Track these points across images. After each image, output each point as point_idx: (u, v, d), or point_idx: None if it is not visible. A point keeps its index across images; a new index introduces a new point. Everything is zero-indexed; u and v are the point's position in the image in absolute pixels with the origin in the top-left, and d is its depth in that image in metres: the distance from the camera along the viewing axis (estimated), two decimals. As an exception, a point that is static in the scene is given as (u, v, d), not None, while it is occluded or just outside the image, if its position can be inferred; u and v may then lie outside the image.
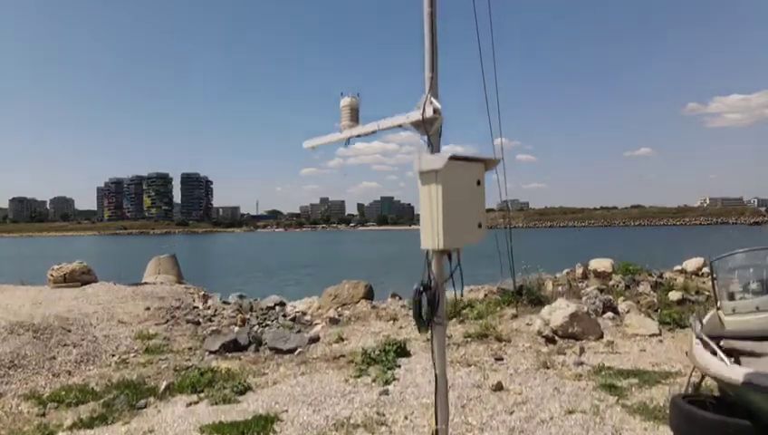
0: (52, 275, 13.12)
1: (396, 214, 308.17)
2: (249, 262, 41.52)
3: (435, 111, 2.80)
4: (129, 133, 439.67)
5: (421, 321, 2.79)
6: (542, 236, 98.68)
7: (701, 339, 4.00)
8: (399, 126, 3.02)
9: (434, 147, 2.89)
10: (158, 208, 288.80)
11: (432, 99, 2.82)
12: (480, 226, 2.85)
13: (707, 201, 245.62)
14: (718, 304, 5.29)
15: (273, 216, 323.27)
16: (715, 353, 3.73)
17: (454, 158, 2.64)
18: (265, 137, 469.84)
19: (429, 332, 2.83)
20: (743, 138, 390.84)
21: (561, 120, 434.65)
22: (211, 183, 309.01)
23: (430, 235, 2.69)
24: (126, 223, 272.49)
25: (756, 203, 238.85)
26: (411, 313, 7.33)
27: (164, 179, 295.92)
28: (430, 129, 2.86)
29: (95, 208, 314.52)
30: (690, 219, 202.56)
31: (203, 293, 12.66)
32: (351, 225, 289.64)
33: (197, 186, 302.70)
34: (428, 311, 2.79)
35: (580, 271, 8.03)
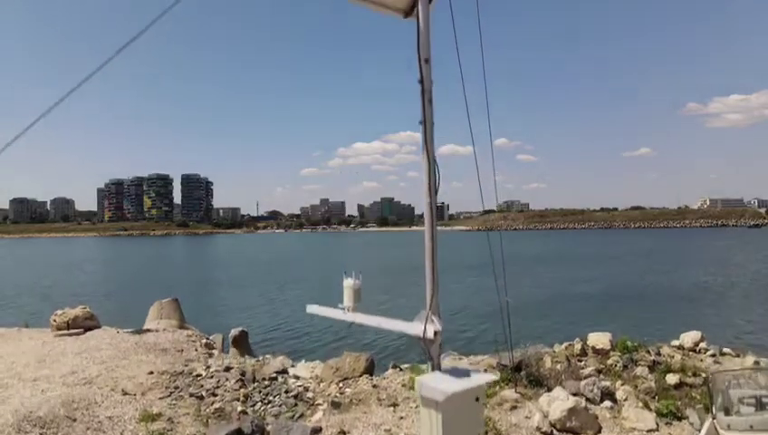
0: (55, 321, 13.22)
1: (396, 215, 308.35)
2: (249, 275, 41.49)
3: (435, 332, 2.89)
4: (130, 134, 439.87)
5: None
6: (542, 241, 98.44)
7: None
8: (401, 332, 3.11)
9: (435, 361, 2.98)
10: (159, 210, 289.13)
11: (433, 318, 2.91)
12: (478, 435, 2.95)
13: (707, 202, 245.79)
14: (713, 410, 5.42)
15: (274, 217, 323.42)
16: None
17: (455, 393, 2.73)
18: (266, 137, 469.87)
19: None
20: (743, 138, 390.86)
21: (562, 120, 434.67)
22: (211, 184, 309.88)
23: (431, 457, 2.79)
24: (126, 224, 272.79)
25: (756, 204, 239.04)
26: (412, 393, 7.39)
27: (164, 180, 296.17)
28: (431, 345, 2.95)
29: (95, 209, 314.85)
30: (690, 221, 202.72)
31: (204, 341, 12.77)
32: (352, 226, 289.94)
33: (198, 187, 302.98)
34: None
35: (578, 346, 8.13)
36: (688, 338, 8.21)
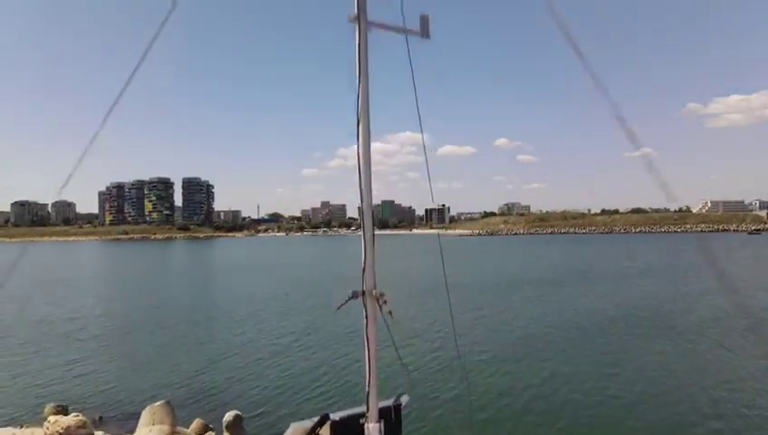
0: (47, 429, 13.32)
1: (396, 217, 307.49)
2: (255, 305, 41.21)
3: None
4: (130, 137, 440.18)
5: None
6: (542, 252, 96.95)
7: None
8: None
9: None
10: (160, 213, 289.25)
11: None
12: None
13: (708, 205, 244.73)
14: None
15: (275, 219, 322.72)
16: None
17: None
18: (266, 137, 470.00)
19: None
20: (743, 138, 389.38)
21: (562, 120, 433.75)
22: (212, 187, 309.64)
23: None
24: (127, 227, 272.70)
25: (758, 205, 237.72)
26: None
27: (165, 184, 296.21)
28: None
29: (96, 212, 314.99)
30: (691, 226, 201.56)
31: (196, 454, 12.85)
32: (353, 229, 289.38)
33: (198, 190, 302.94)
34: None
35: None
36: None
